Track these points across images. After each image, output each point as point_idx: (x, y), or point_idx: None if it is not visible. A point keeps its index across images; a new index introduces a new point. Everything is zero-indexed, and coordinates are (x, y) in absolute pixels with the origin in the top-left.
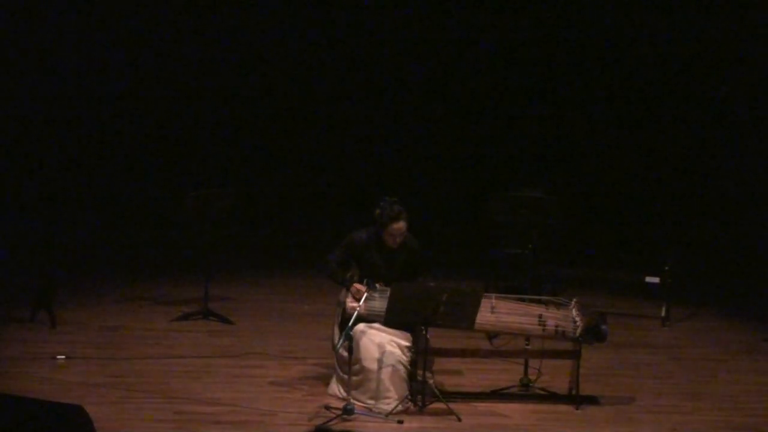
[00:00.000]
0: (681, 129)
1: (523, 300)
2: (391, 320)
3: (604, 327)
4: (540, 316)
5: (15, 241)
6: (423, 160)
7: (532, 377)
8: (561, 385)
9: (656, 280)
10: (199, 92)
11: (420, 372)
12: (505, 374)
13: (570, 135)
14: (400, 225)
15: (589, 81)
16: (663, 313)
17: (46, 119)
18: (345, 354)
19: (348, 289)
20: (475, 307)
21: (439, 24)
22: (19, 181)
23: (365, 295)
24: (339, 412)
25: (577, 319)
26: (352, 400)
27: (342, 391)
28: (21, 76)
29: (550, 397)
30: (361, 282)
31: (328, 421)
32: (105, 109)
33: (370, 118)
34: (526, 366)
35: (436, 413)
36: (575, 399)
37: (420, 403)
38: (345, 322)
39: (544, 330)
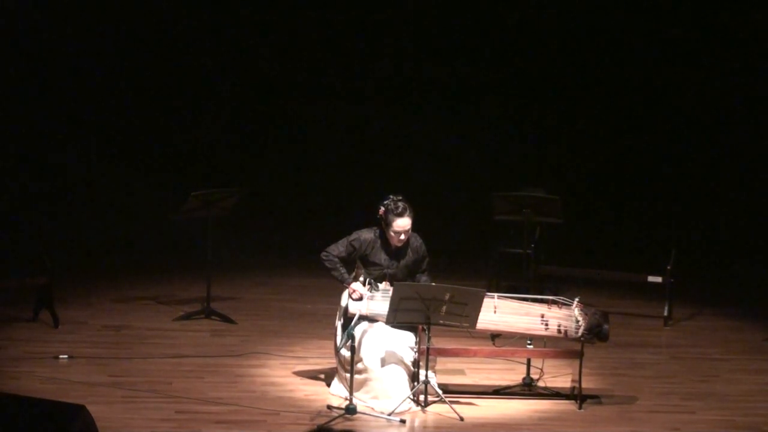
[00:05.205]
0: (682, 127)
1: (525, 300)
2: (394, 320)
3: (606, 327)
4: (542, 316)
5: (15, 241)
6: (425, 158)
7: (535, 377)
8: (563, 385)
9: (659, 279)
10: (200, 90)
11: (422, 371)
12: (507, 374)
13: (571, 133)
14: (405, 222)
15: (590, 78)
16: (665, 313)
17: (45, 117)
18: (347, 354)
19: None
20: (478, 306)
21: (441, 22)
22: (19, 180)
23: (365, 295)
24: (341, 412)
25: (580, 318)
26: (354, 400)
27: (344, 390)
28: (20, 74)
29: (553, 396)
30: (364, 282)
31: (330, 421)
32: (106, 105)
33: (372, 116)
34: (529, 366)
35: (439, 413)
36: (578, 398)
37: (422, 403)
38: (347, 322)
39: (546, 330)
